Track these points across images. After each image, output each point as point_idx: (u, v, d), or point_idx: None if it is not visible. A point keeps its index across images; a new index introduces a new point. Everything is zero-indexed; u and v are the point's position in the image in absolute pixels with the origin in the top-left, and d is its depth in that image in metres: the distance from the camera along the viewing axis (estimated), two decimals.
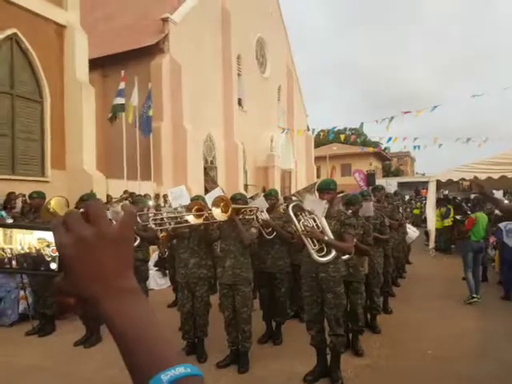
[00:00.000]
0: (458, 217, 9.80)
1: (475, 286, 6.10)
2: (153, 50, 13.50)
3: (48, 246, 0.53)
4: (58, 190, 7.81)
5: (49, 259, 0.54)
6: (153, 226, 4.10)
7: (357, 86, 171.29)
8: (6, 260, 0.54)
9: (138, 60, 13.34)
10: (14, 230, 0.54)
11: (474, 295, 5.99)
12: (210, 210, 3.70)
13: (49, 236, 0.53)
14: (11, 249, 0.54)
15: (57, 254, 0.53)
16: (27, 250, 0.54)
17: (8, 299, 5.18)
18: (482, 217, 6.36)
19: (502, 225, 6.64)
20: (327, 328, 3.49)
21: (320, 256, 3.18)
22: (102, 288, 0.48)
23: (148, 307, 0.51)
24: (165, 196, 9.15)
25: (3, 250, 0.54)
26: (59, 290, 0.50)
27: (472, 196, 12.14)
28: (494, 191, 9.38)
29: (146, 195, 9.11)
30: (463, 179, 8.98)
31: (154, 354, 0.46)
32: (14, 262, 0.54)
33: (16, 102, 9.22)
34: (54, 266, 0.53)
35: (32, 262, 0.54)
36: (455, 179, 9.35)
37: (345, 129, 19.01)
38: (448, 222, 10.52)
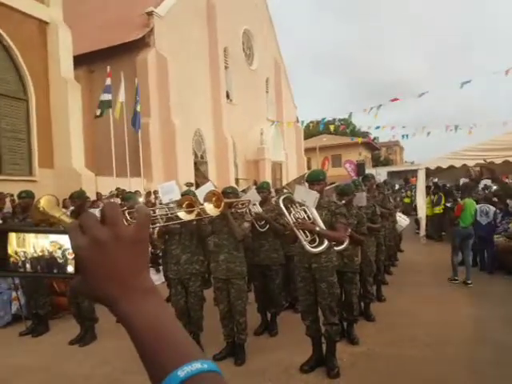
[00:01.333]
0: (448, 204, 9.95)
1: (466, 271, 6.25)
2: (138, 45, 13.31)
3: (60, 248, 0.53)
4: (46, 189, 7.72)
5: (60, 261, 0.53)
6: None
7: (345, 77, 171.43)
8: (19, 264, 0.53)
9: (124, 55, 13.14)
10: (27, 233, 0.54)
11: (457, 277, 6.29)
12: (202, 204, 3.68)
13: (62, 239, 0.53)
14: (24, 252, 0.53)
15: (73, 256, 0.52)
16: (40, 253, 0.53)
17: (0, 301, 5.13)
18: (469, 203, 6.45)
19: (477, 206, 6.89)
20: (322, 317, 3.52)
21: (312, 247, 3.20)
22: (118, 289, 0.48)
23: (165, 306, 0.51)
24: (155, 192, 9.09)
25: (17, 253, 0.53)
26: (76, 292, 0.50)
27: (461, 182, 12.29)
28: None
29: (136, 192, 9.04)
30: (456, 166, 9.01)
31: (172, 352, 0.46)
32: (28, 266, 0.53)
33: (0, 101, 9.04)
34: (70, 269, 0.53)
35: (45, 265, 0.53)
36: (444, 166, 9.43)
37: (334, 119, 18.93)
38: (439, 209, 10.64)
